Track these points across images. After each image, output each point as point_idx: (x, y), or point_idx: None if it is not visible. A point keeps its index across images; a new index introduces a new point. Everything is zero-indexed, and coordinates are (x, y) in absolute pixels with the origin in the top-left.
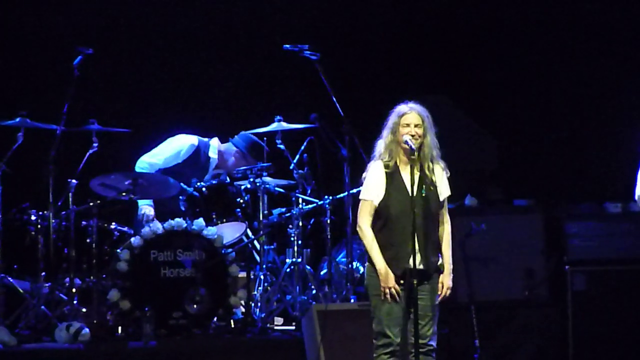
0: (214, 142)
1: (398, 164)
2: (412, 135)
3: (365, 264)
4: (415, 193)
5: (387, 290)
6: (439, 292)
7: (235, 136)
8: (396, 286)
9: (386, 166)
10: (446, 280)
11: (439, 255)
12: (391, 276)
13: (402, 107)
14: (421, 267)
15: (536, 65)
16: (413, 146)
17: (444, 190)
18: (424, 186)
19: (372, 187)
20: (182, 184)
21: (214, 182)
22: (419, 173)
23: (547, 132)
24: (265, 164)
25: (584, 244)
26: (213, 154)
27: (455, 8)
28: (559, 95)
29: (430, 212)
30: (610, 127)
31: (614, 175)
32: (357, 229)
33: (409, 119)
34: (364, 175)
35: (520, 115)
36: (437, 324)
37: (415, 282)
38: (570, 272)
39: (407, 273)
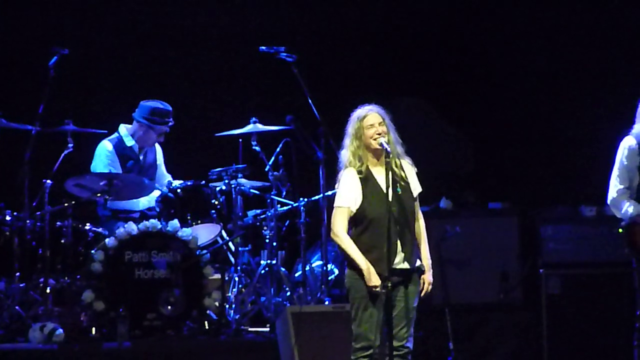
0: (123, 130)
1: (370, 167)
2: (379, 134)
3: (345, 269)
4: (391, 193)
5: (375, 290)
6: (421, 288)
7: (136, 110)
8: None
9: (359, 172)
10: (427, 275)
11: (418, 254)
12: (376, 275)
13: (359, 111)
14: (405, 265)
15: (513, 67)
16: (388, 148)
17: (416, 187)
18: (397, 185)
19: (348, 193)
20: (156, 184)
21: (189, 183)
22: (391, 172)
23: (523, 135)
24: (240, 166)
25: (558, 247)
26: (130, 141)
27: (432, 9)
28: (535, 98)
29: (407, 210)
30: (585, 130)
31: (589, 178)
32: (332, 235)
33: (371, 119)
34: (337, 184)
35: (496, 118)
36: (413, 327)
37: (390, 284)
38: (545, 275)
39: (389, 274)
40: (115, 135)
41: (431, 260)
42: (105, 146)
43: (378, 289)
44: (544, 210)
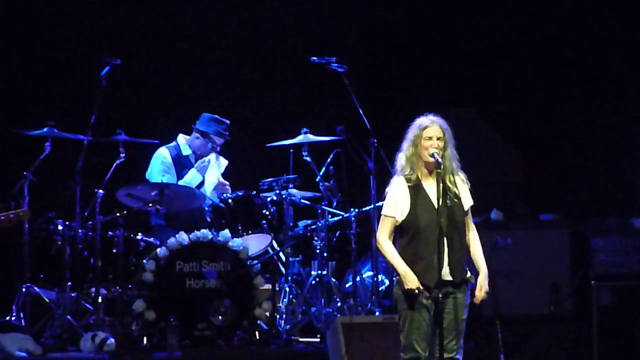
0: (181, 140)
1: (420, 177)
2: (435, 148)
3: (394, 278)
4: (440, 204)
5: (415, 292)
6: (477, 296)
7: (197, 121)
8: (420, 286)
9: (408, 180)
10: (484, 283)
11: (467, 266)
12: (414, 277)
13: (423, 120)
14: (451, 277)
15: (562, 78)
16: (439, 160)
17: (467, 200)
18: (448, 197)
19: (396, 203)
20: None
21: (240, 193)
22: (442, 184)
23: (574, 146)
24: (291, 176)
25: (609, 258)
26: (186, 150)
27: (483, 21)
28: (587, 109)
29: (456, 222)
30: (637, 142)
31: None
32: (377, 243)
33: (431, 132)
34: (386, 190)
35: (547, 129)
36: (463, 338)
37: (440, 295)
38: (596, 287)
39: (435, 285)
40: (174, 143)
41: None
42: (163, 153)
43: (416, 292)
44: (595, 221)
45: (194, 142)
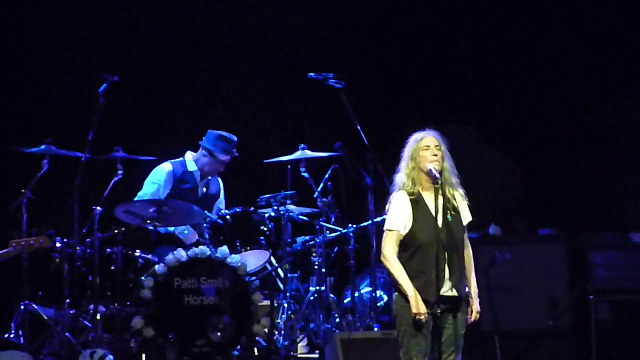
0: (189, 156)
1: (421, 191)
2: (435, 156)
3: (394, 294)
4: (441, 219)
5: (419, 317)
6: (469, 316)
7: (204, 138)
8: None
9: (410, 194)
10: (475, 304)
11: (467, 282)
12: (422, 303)
13: (417, 135)
14: (452, 293)
15: (561, 95)
16: (437, 175)
17: (466, 216)
18: (448, 212)
19: (399, 217)
20: (206, 212)
21: (238, 209)
22: (442, 199)
23: (572, 161)
24: (289, 192)
25: (608, 273)
26: (192, 167)
27: (480, 39)
28: (584, 124)
29: (456, 237)
30: (635, 157)
31: (639, 205)
32: (382, 259)
33: (428, 142)
34: (387, 206)
35: (545, 144)
36: (461, 354)
37: (439, 311)
38: (595, 301)
39: (436, 301)
40: (180, 159)
41: (480, 286)
42: (163, 167)
43: (423, 318)
44: (593, 236)
45: (201, 159)
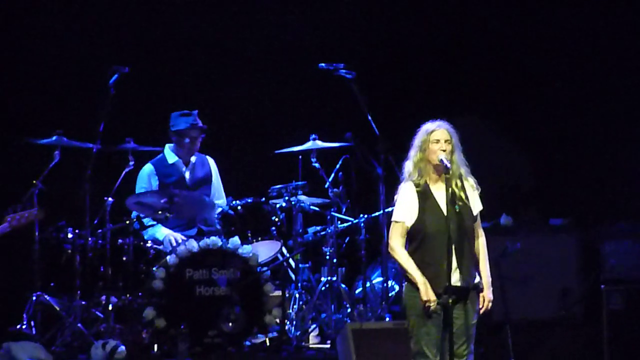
0: (166, 149)
1: (428, 182)
2: (444, 151)
3: (403, 284)
4: (449, 210)
5: (429, 304)
6: (480, 306)
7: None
8: (435, 300)
9: (417, 185)
10: (487, 293)
11: (477, 272)
12: (431, 290)
13: (429, 125)
14: (459, 284)
15: (571, 84)
16: (448, 164)
17: (476, 205)
18: (457, 202)
19: (404, 208)
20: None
21: (249, 200)
22: (451, 189)
23: (584, 151)
24: (300, 183)
25: (620, 263)
26: (172, 158)
27: (492, 27)
28: (597, 113)
29: (465, 228)
30: None
31: None
32: (389, 250)
33: (438, 135)
34: (395, 196)
35: (556, 133)
36: (474, 344)
37: (450, 300)
38: (606, 291)
39: (444, 291)
40: (159, 155)
41: (491, 276)
42: (145, 168)
43: (432, 305)
44: (605, 226)
45: (175, 145)
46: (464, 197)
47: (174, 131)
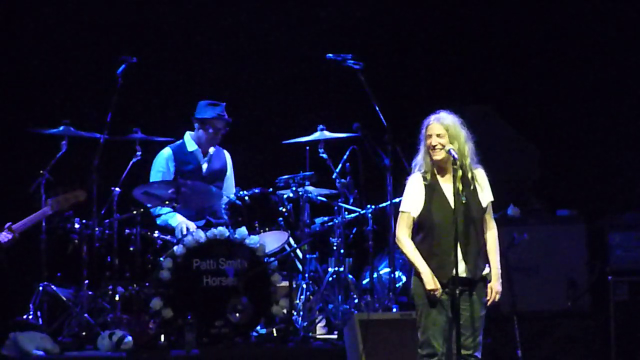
0: (187, 136)
1: (435, 174)
2: (434, 146)
3: (412, 275)
4: (455, 201)
5: (434, 293)
6: (488, 298)
7: (194, 112)
8: (440, 288)
9: (424, 178)
10: (495, 285)
11: (485, 263)
12: (436, 280)
13: (427, 119)
14: (465, 275)
15: (580, 75)
16: (456, 155)
17: (486, 196)
18: (464, 194)
19: (411, 199)
20: (224, 192)
21: (256, 190)
22: (458, 181)
23: (591, 142)
24: (308, 173)
25: (627, 254)
26: (192, 146)
27: (500, 19)
28: (604, 104)
29: (473, 219)
30: None
31: None
32: (396, 240)
33: (430, 129)
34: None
35: (564, 125)
36: (482, 335)
37: (457, 291)
38: (613, 282)
39: (451, 282)
40: (179, 141)
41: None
42: (163, 152)
43: (437, 294)
44: (612, 217)
45: (197, 133)
46: (472, 188)
47: (199, 119)
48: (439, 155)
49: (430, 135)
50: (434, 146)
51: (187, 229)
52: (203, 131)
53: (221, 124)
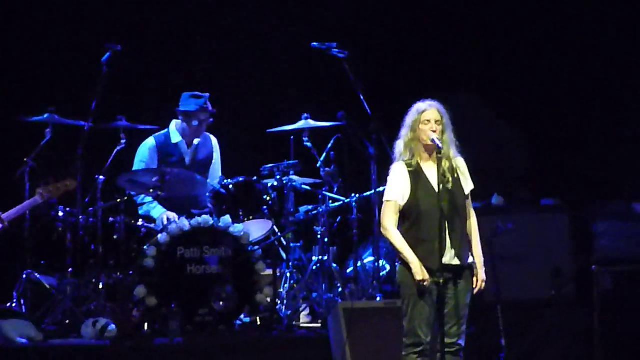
0: (172, 126)
1: (420, 162)
2: (434, 131)
3: (397, 264)
4: (441, 189)
5: (423, 284)
6: (474, 286)
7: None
8: (429, 278)
9: (408, 165)
10: (480, 273)
11: (470, 252)
12: (424, 270)
13: (420, 105)
14: (454, 262)
15: (565, 64)
16: (440, 144)
17: (468, 184)
18: (449, 181)
19: (396, 187)
20: (208, 181)
21: (240, 179)
22: (442, 169)
23: (576, 131)
24: (292, 162)
25: (611, 243)
26: (176, 138)
27: (484, 7)
28: (589, 94)
29: (457, 206)
30: (638, 127)
31: None
32: (382, 230)
33: (429, 115)
34: (388, 176)
35: (549, 114)
36: (465, 324)
37: (441, 280)
38: (597, 271)
39: (438, 269)
40: (164, 131)
41: (483, 256)
42: (147, 143)
43: (426, 284)
44: (597, 206)
45: (181, 125)
46: (455, 175)
47: (182, 112)
48: (435, 138)
49: (429, 121)
50: (434, 131)
51: (168, 219)
52: (186, 123)
53: (205, 116)
